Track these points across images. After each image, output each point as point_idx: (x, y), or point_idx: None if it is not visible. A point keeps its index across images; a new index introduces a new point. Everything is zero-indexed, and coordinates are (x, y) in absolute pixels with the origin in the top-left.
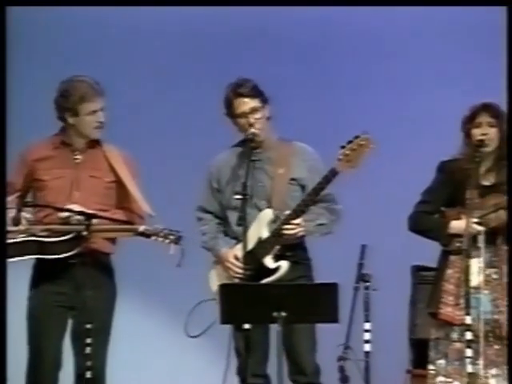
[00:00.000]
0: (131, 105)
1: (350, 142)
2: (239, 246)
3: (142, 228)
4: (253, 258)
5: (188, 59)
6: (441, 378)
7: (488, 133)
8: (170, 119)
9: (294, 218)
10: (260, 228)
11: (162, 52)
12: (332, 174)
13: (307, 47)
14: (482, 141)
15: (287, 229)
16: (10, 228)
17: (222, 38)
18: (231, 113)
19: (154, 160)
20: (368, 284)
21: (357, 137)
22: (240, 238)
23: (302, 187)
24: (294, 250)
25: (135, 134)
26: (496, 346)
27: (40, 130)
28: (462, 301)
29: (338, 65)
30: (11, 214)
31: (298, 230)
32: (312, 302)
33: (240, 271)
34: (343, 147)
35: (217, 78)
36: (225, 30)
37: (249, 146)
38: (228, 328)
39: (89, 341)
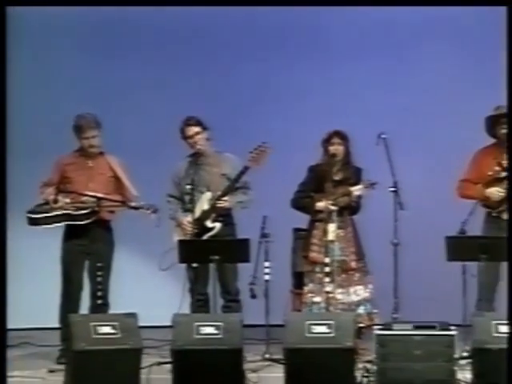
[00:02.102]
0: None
1: (255, 148)
2: (190, 216)
3: (132, 204)
4: (198, 222)
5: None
6: (310, 294)
7: (338, 148)
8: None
9: (223, 197)
10: (203, 204)
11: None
12: (245, 169)
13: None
14: (334, 154)
15: (219, 203)
16: (51, 206)
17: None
18: (184, 136)
19: (142, 163)
20: (267, 239)
21: (260, 145)
22: (191, 211)
23: (228, 178)
24: (224, 216)
25: (133, 143)
26: (343, 275)
27: (40, 128)
28: (322, 249)
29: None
30: (52, 197)
31: (226, 204)
32: (234, 249)
33: (190, 230)
34: (251, 152)
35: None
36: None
37: (195, 156)
38: (184, 266)
39: (99, 273)
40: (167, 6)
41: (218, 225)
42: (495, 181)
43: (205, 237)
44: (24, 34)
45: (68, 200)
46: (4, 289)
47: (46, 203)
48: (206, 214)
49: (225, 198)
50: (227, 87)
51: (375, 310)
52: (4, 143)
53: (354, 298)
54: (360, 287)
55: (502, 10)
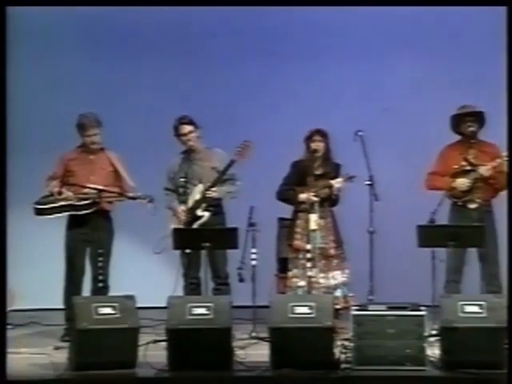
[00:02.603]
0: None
1: (241, 144)
2: (184, 206)
3: (130, 194)
4: (191, 211)
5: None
6: (294, 279)
7: (319, 145)
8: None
9: (213, 187)
10: (195, 195)
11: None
12: (231, 163)
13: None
14: (315, 150)
15: (209, 193)
16: (56, 197)
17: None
18: (177, 134)
19: (138, 157)
20: (254, 228)
21: (244, 141)
22: (185, 202)
23: (218, 171)
24: (214, 207)
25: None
26: (323, 261)
27: (45, 127)
28: (305, 237)
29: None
30: (56, 189)
31: (215, 194)
32: (224, 237)
33: (184, 218)
34: (238, 147)
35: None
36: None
37: (188, 153)
38: (178, 252)
39: (100, 259)
40: (165, 6)
41: (206, 213)
42: (461, 173)
43: (195, 225)
44: (25, 34)
45: (71, 192)
46: (4, 275)
47: (51, 195)
48: (197, 204)
49: (214, 189)
50: (217, 89)
51: (351, 294)
52: (4, 143)
53: (332, 282)
54: (338, 272)
55: (502, 11)
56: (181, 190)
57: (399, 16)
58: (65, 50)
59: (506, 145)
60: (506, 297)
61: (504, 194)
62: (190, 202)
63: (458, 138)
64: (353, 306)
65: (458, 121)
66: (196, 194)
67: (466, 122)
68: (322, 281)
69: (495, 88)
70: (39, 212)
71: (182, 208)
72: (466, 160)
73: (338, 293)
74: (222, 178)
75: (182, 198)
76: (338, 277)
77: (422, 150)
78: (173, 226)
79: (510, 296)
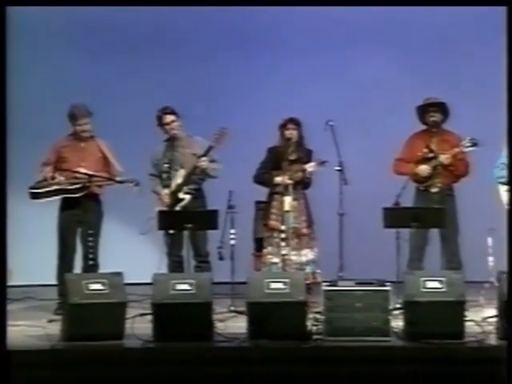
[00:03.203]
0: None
1: (218, 131)
2: (168, 189)
3: (118, 179)
4: (173, 194)
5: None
6: (269, 256)
7: (292, 133)
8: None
9: (196, 168)
10: (177, 179)
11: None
12: (209, 148)
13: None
14: (289, 137)
15: (200, 165)
16: (49, 182)
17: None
18: (160, 123)
19: (125, 144)
20: (233, 210)
21: (221, 128)
22: (169, 186)
23: (198, 157)
24: (195, 190)
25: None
26: (296, 240)
27: (40, 116)
28: (279, 218)
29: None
30: (50, 174)
31: (204, 164)
32: (205, 218)
33: (167, 201)
34: (215, 134)
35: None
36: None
37: (171, 140)
38: (162, 232)
39: (90, 239)
40: (159, 6)
41: (187, 196)
42: (424, 160)
43: (177, 207)
44: (23, 32)
45: (63, 177)
46: (4, 254)
47: (45, 180)
48: (179, 187)
49: (204, 158)
50: (197, 81)
51: (318, 270)
52: (4, 143)
53: (304, 259)
54: (308, 250)
55: (502, 10)
56: (164, 175)
57: (368, 14)
58: (58, 46)
59: (506, 144)
60: (464, 273)
61: (466, 179)
62: (173, 186)
63: (422, 127)
64: (321, 281)
65: (423, 111)
66: (178, 178)
67: (430, 112)
68: (293, 258)
69: (457, 79)
70: (34, 196)
71: (165, 192)
72: (428, 148)
73: (308, 269)
74: (202, 161)
75: (166, 183)
76: (308, 254)
77: (389, 138)
78: (157, 208)
79: (509, 292)
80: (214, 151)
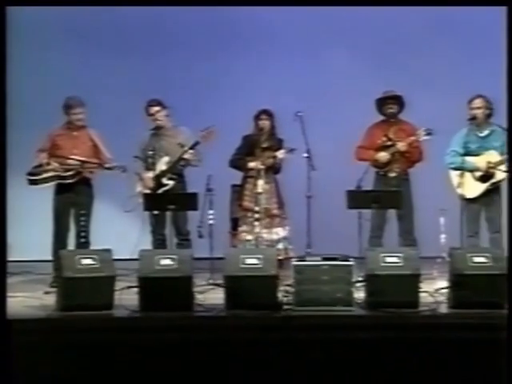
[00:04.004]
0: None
1: (206, 128)
2: (151, 173)
3: (107, 165)
4: (157, 179)
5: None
6: (244, 234)
7: (265, 123)
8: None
9: (181, 159)
10: (161, 165)
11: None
12: (196, 143)
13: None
14: (262, 127)
15: (185, 156)
16: (45, 168)
17: None
18: (148, 114)
19: (115, 133)
20: (211, 193)
21: (209, 127)
22: (153, 170)
23: (182, 146)
24: (177, 175)
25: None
26: (267, 219)
27: (37, 107)
28: (253, 199)
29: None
30: (45, 160)
31: (190, 156)
32: (185, 200)
33: (152, 185)
34: (202, 131)
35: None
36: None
37: (157, 129)
38: (147, 213)
39: (82, 219)
40: (155, 6)
41: (171, 182)
42: (383, 148)
43: (160, 191)
44: (19, 29)
45: (57, 163)
46: (4, 232)
47: (41, 165)
48: (163, 173)
49: (191, 151)
50: (183, 76)
51: (290, 246)
52: (4, 142)
53: (275, 237)
54: (280, 229)
55: (502, 10)
56: (149, 160)
57: (335, 16)
58: (53, 43)
59: (506, 145)
60: (419, 249)
61: (420, 164)
62: (157, 171)
63: (381, 117)
64: (293, 257)
65: (381, 103)
66: (162, 164)
67: (388, 104)
68: (265, 236)
69: (412, 74)
70: (32, 182)
71: (148, 175)
72: (386, 136)
73: (281, 246)
74: (187, 153)
75: (150, 167)
76: (280, 232)
77: (351, 128)
78: (138, 188)
79: (509, 286)
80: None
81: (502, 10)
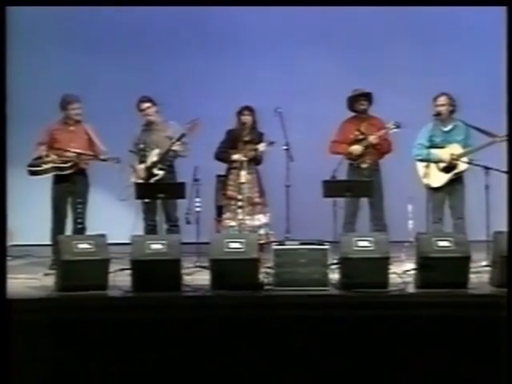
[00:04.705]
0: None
1: (192, 121)
2: (143, 165)
3: (102, 157)
4: (149, 170)
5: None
6: (227, 221)
7: (247, 118)
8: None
9: (170, 150)
10: (152, 157)
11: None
12: (182, 136)
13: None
14: (245, 122)
15: (173, 148)
16: (44, 160)
17: None
18: (139, 110)
19: (110, 127)
20: (198, 183)
21: (194, 119)
22: (144, 162)
23: (171, 139)
24: (167, 166)
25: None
26: (250, 207)
27: (37, 102)
28: (236, 188)
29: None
30: (44, 153)
31: (178, 147)
32: (174, 189)
33: (143, 176)
34: (187, 124)
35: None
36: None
37: (148, 125)
38: (140, 201)
39: (79, 206)
40: (156, 6)
41: (161, 172)
42: (355, 141)
43: (152, 180)
44: (21, 29)
45: (56, 156)
46: (4, 218)
47: (40, 157)
48: (154, 164)
49: (178, 143)
50: (172, 75)
51: (271, 232)
52: (4, 141)
53: (257, 223)
54: (261, 215)
55: (502, 10)
56: (141, 153)
57: (311, 17)
58: (51, 42)
59: (507, 145)
60: (388, 234)
61: (389, 155)
62: (148, 163)
63: (353, 114)
64: (273, 241)
65: (353, 100)
66: (153, 156)
67: (359, 101)
68: (248, 222)
69: (381, 72)
70: (32, 173)
71: (141, 167)
72: (359, 131)
73: (262, 231)
74: (180, 139)
75: (142, 159)
76: (261, 219)
77: (326, 123)
78: (133, 179)
79: (509, 282)
80: (185, 137)
81: (503, 10)
